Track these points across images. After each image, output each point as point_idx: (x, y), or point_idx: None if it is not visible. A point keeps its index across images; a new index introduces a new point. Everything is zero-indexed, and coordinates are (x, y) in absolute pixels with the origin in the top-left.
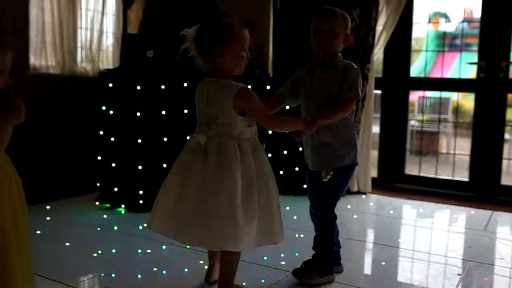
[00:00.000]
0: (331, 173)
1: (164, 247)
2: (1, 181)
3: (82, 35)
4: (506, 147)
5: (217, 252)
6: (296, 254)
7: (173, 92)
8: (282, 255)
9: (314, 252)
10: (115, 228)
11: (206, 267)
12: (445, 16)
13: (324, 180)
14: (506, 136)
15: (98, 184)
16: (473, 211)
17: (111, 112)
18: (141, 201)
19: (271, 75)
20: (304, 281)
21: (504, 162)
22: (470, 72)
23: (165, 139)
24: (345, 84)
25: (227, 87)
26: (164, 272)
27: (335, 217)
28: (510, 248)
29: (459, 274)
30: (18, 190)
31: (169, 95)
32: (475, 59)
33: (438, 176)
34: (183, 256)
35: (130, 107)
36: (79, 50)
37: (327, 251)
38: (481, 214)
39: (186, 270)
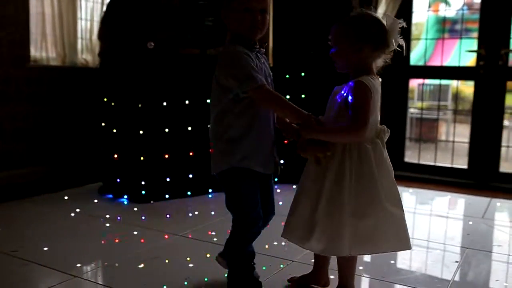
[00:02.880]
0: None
1: (166, 236)
2: None
3: (82, 26)
4: (505, 134)
5: (327, 259)
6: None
7: (174, 84)
8: (283, 243)
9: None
10: (118, 218)
11: (208, 255)
12: (445, 1)
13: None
14: (505, 123)
15: (100, 175)
16: (471, 198)
17: (112, 103)
18: (143, 192)
19: (272, 65)
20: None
21: (503, 150)
22: (470, 59)
23: (166, 130)
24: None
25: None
26: (167, 261)
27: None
28: (507, 235)
29: (456, 261)
30: None
31: (170, 86)
32: (475, 46)
33: (438, 164)
34: (186, 246)
35: (131, 98)
36: (79, 41)
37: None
38: (480, 201)
39: (188, 259)
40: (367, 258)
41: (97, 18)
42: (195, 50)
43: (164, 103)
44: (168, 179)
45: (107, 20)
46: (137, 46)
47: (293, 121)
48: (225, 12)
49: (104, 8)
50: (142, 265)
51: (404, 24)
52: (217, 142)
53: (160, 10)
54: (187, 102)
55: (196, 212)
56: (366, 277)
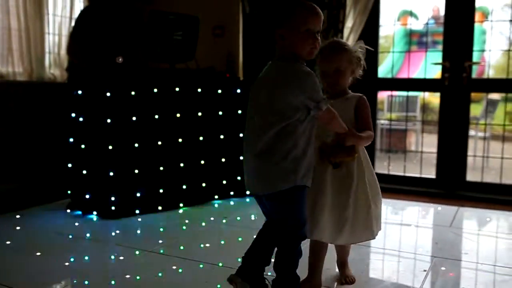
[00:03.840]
0: None
1: (137, 252)
2: None
3: (50, 41)
4: (471, 144)
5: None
6: None
7: (143, 98)
8: None
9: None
10: (87, 235)
11: (180, 270)
12: (411, 13)
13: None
14: (471, 133)
15: (69, 192)
16: (440, 207)
17: (81, 119)
18: (113, 207)
19: (242, 79)
20: None
21: (469, 159)
22: (438, 71)
23: (136, 144)
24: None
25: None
26: (138, 278)
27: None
28: (474, 243)
29: (425, 270)
30: None
31: (139, 101)
32: (441, 58)
33: (407, 174)
34: (156, 261)
35: (100, 113)
36: (47, 56)
37: None
38: (448, 210)
39: (160, 275)
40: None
41: (65, 33)
42: (164, 65)
43: (134, 118)
44: (138, 194)
45: (75, 34)
46: (106, 60)
47: (340, 132)
48: (283, 31)
49: (73, 23)
50: (113, 282)
51: (366, 48)
52: (281, 160)
53: (129, 25)
54: (156, 116)
55: (167, 227)
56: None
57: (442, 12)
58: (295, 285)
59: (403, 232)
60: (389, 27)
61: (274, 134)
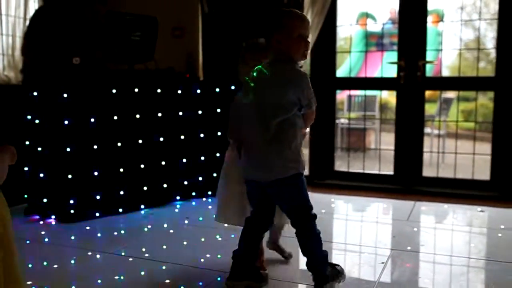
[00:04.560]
0: None
1: (98, 256)
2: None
3: (4, 42)
4: (426, 141)
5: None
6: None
7: (102, 99)
8: (219, 256)
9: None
10: (46, 239)
11: (142, 272)
12: (368, 15)
13: None
14: (427, 130)
15: (26, 196)
16: (398, 202)
17: (36, 121)
18: (72, 211)
19: (201, 79)
20: None
21: (426, 155)
22: (395, 72)
23: (95, 146)
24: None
25: None
26: (99, 281)
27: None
28: (431, 236)
29: (383, 263)
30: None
31: (98, 102)
32: (397, 58)
33: (366, 171)
34: (118, 263)
35: (57, 115)
36: (0, 57)
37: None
38: (405, 205)
39: (121, 278)
40: (302, 266)
41: (19, 34)
42: (123, 65)
43: (92, 120)
44: (98, 197)
45: (30, 35)
46: (62, 61)
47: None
48: (280, 37)
49: (27, 23)
50: (73, 287)
51: None
52: (286, 149)
53: (85, 26)
54: (115, 117)
55: (128, 229)
56: (296, 282)
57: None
58: (325, 261)
59: (363, 227)
60: (347, 28)
61: (279, 126)
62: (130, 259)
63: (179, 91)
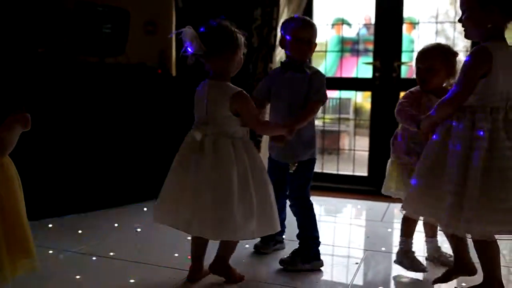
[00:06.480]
0: (296, 164)
1: (59, 255)
2: (14, 175)
3: None
4: None
5: (204, 253)
6: None
7: (70, 92)
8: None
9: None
10: None
11: (104, 271)
12: (343, 20)
13: (290, 171)
14: None
15: None
16: (372, 204)
17: None
18: (32, 210)
19: (174, 75)
20: (288, 268)
21: None
22: (371, 73)
23: (58, 142)
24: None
25: (227, 89)
26: (60, 280)
27: (311, 206)
28: None
29: (357, 263)
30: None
31: (66, 95)
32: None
33: (340, 172)
34: (78, 262)
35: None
36: None
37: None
38: (379, 206)
39: (81, 276)
40: (279, 266)
41: None
42: (93, 58)
43: (57, 114)
44: (58, 196)
45: None
46: (27, 51)
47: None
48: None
49: None
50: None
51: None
52: (304, 136)
53: (52, 13)
54: (81, 112)
55: (89, 228)
56: (270, 283)
57: (373, 21)
58: (318, 243)
59: (337, 228)
60: (323, 33)
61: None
62: (91, 257)
63: (150, 87)
